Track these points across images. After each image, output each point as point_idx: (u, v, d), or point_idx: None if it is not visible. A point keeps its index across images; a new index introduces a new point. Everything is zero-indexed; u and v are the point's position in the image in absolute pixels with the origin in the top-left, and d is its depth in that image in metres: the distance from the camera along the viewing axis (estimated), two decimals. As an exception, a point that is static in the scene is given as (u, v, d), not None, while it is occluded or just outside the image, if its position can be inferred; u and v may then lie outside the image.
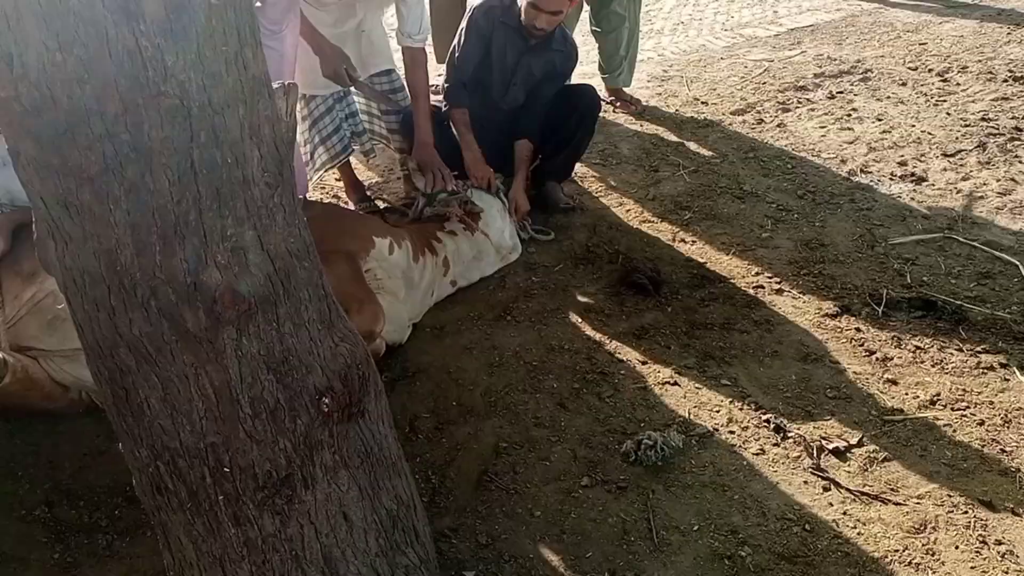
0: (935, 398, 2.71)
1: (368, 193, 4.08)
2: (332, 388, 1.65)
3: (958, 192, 3.88)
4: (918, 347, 2.94)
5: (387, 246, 3.06)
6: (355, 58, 3.60)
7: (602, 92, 4.85)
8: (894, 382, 2.80)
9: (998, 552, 2.21)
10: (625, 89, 4.99)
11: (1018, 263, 3.35)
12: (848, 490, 2.41)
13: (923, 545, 2.24)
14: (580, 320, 3.21)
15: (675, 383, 2.86)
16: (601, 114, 4.61)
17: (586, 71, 5.14)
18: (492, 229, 3.47)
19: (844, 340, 3.00)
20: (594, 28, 4.79)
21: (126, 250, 1.39)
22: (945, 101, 4.76)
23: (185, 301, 1.45)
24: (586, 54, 5.71)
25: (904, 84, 5.01)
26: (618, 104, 4.95)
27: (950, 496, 2.37)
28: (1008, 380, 2.78)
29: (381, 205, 4.04)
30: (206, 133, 1.37)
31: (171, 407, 1.52)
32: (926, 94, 4.86)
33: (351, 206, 4.01)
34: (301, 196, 3.38)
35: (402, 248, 3.12)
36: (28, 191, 1.42)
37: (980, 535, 2.25)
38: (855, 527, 2.30)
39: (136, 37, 1.26)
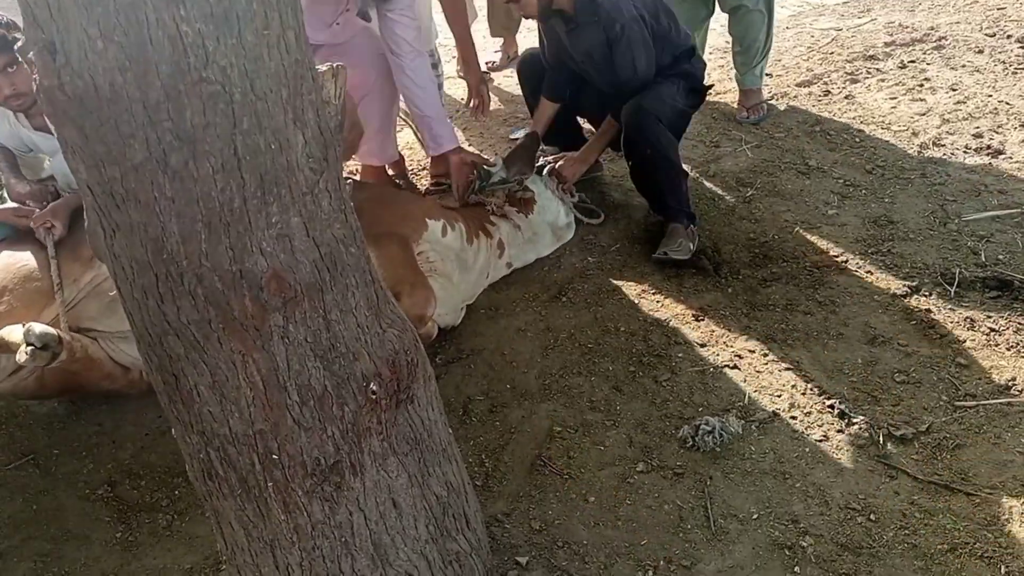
0: (1010, 383, 2.59)
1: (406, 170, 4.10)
2: (380, 374, 1.64)
3: (1038, 165, 3.69)
4: (992, 329, 2.80)
5: (440, 228, 3.04)
6: None
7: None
8: (966, 366, 2.68)
9: (1077, 547, 2.10)
10: (755, 90, 4.39)
11: (1103, 240, 3.17)
12: (916, 479, 2.32)
13: (995, 538, 2.14)
14: (637, 301, 3.15)
15: (735, 366, 2.78)
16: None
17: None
18: (548, 212, 3.43)
19: (914, 321, 2.88)
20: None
21: (172, 238, 1.39)
22: (1025, 69, 4.53)
23: (231, 288, 1.44)
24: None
25: (981, 52, 4.77)
26: (747, 111, 4.37)
27: (1025, 487, 2.26)
28: (1090, 364, 2.64)
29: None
30: (249, 119, 1.35)
31: (220, 394, 1.52)
32: (1004, 62, 4.62)
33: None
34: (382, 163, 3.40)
35: (455, 230, 3.10)
36: (76, 179, 1.43)
37: (1058, 528, 2.15)
38: (923, 518, 2.21)
39: (177, 23, 1.25)
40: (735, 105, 4.44)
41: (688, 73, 3.43)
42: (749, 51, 4.21)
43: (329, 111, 1.58)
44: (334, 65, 1.69)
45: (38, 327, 2.29)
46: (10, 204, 2.84)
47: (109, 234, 1.44)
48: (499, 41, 5.44)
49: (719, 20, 4.54)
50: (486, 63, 5.38)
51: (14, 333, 2.31)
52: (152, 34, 1.24)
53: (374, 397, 1.63)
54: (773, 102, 4.48)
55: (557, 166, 3.57)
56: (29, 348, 2.25)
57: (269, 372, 1.51)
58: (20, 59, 2.68)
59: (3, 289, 2.56)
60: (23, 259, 2.66)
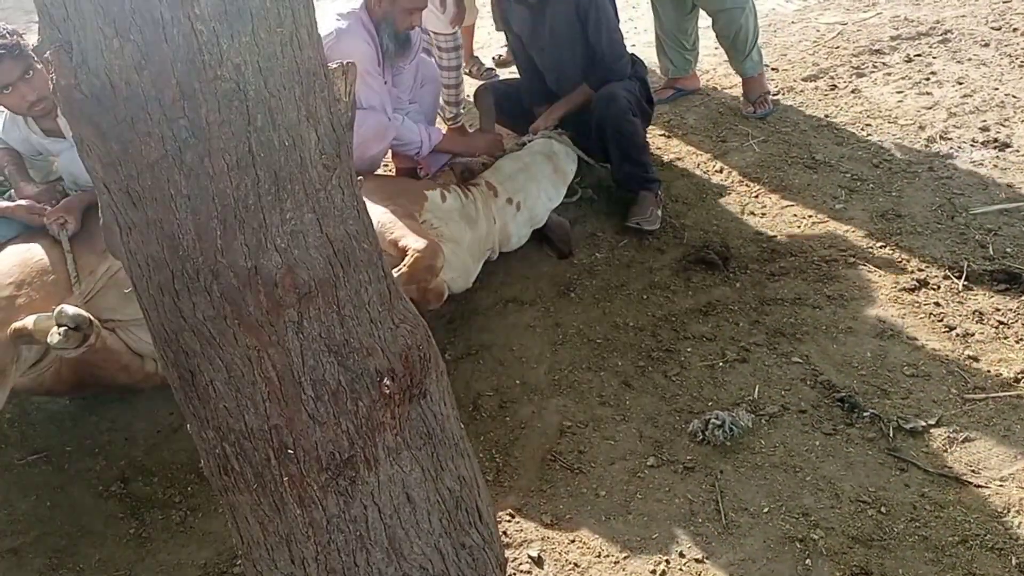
0: (1019, 376, 2.59)
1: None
2: (393, 370, 1.65)
3: (1045, 158, 3.69)
4: (1001, 322, 2.81)
5: (438, 196, 3.14)
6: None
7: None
8: (975, 359, 2.68)
9: (1088, 538, 2.10)
10: (756, 78, 4.34)
11: (1111, 232, 3.17)
12: (926, 471, 2.33)
13: (1006, 530, 2.14)
14: (645, 297, 3.16)
15: (744, 361, 2.79)
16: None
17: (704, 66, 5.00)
18: (535, 144, 3.51)
19: (922, 315, 2.89)
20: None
21: (188, 235, 1.40)
22: (1031, 62, 4.52)
23: (246, 285, 1.45)
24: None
25: (987, 45, 4.76)
26: (753, 105, 4.32)
27: (1036, 479, 2.27)
28: (1100, 356, 2.64)
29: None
30: (263, 116, 1.36)
31: (235, 389, 1.53)
32: (1011, 55, 4.61)
33: None
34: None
35: (452, 192, 3.21)
36: (92, 177, 1.44)
37: (1069, 520, 2.15)
38: (933, 510, 2.22)
39: (191, 21, 1.26)
40: (740, 100, 4.44)
41: (644, 80, 3.73)
42: (736, 41, 4.20)
43: (340, 108, 1.59)
44: (344, 63, 1.70)
45: (71, 309, 2.29)
46: (22, 201, 2.85)
47: (125, 231, 1.45)
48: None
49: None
50: (492, 57, 5.39)
51: (37, 321, 2.32)
52: (167, 32, 1.26)
53: (387, 392, 1.64)
54: (779, 96, 4.48)
55: (531, 127, 3.66)
56: (62, 329, 2.25)
57: (284, 367, 1.52)
58: (37, 64, 2.69)
59: (21, 282, 2.59)
60: (38, 254, 2.69)
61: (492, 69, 5.24)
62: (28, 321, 2.35)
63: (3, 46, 2.64)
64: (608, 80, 3.52)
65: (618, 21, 3.64)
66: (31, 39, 2.58)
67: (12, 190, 3.03)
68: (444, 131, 3.33)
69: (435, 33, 3.97)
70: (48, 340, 2.26)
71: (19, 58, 2.67)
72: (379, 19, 3.10)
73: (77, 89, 1.30)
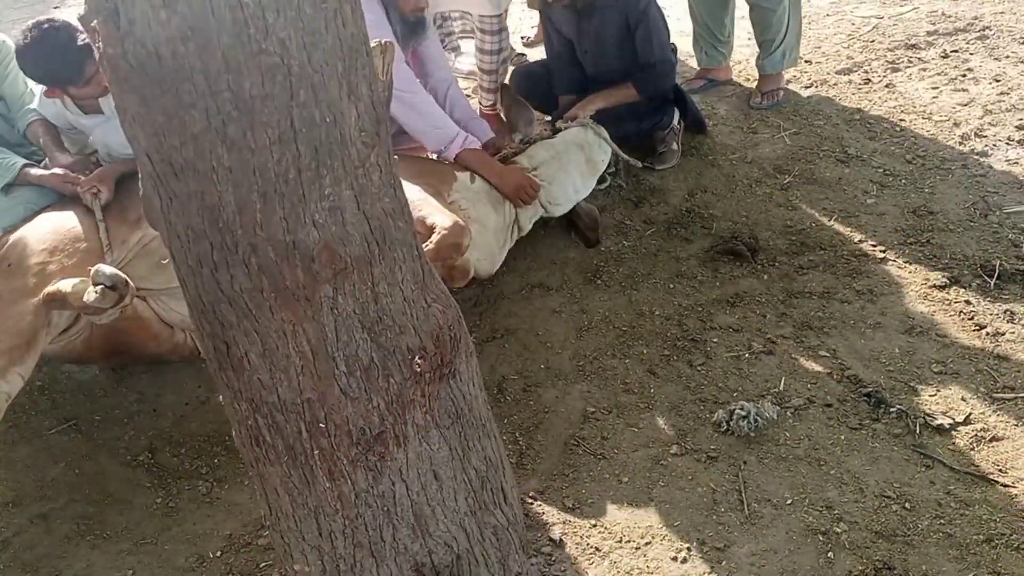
0: (1050, 376, 2.57)
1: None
2: (424, 348, 1.66)
3: (1083, 158, 3.63)
4: (1033, 322, 2.78)
5: (468, 176, 3.16)
6: None
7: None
8: (1005, 358, 2.66)
9: (1116, 541, 2.09)
10: (773, 76, 4.33)
11: None
12: (952, 469, 2.31)
13: (1032, 530, 2.13)
14: (672, 285, 3.15)
15: (770, 352, 2.78)
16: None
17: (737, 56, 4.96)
18: (569, 134, 3.49)
19: (952, 313, 2.86)
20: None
21: (228, 208, 1.42)
22: (1071, 60, 4.45)
23: (284, 258, 1.47)
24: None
25: (1025, 42, 4.70)
26: (762, 96, 4.32)
27: (1064, 480, 2.25)
28: None
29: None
30: (305, 91, 1.37)
31: (270, 362, 1.55)
32: (1050, 53, 4.55)
33: None
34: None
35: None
36: (134, 148, 1.46)
37: (1096, 522, 2.13)
38: (959, 508, 2.21)
39: (238, -6, 1.27)
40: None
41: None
42: (763, 37, 4.20)
43: (379, 86, 1.60)
44: (382, 41, 1.70)
45: (108, 268, 2.31)
46: (56, 170, 2.89)
47: (165, 202, 1.47)
48: (535, 16, 5.40)
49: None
50: (522, 38, 5.37)
51: (69, 285, 2.34)
52: (214, 5, 1.27)
53: (418, 370, 1.65)
54: (812, 89, 4.44)
55: (566, 114, 3.68)
56: (99, 287, 2.27)
57: (318, 342, 1.54)
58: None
59: (54, 249, 2.62)
60: (71, 222, 2.72)
61: (523, 55, 5.22)
62: (62, 284, 2.37)
63: (88, 44, 2.64)
64: (657, 90, 3.70)
65: (665, 25, 3.65)
66: (66, 12, 2.60)
67: (47, 159, 3.06)
68: (479, 147, 3.28)
69: (480, 16, 3.95)
70: (84, 298, 2.28)
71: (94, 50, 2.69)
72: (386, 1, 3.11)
73: (123, 59, 1.32)
